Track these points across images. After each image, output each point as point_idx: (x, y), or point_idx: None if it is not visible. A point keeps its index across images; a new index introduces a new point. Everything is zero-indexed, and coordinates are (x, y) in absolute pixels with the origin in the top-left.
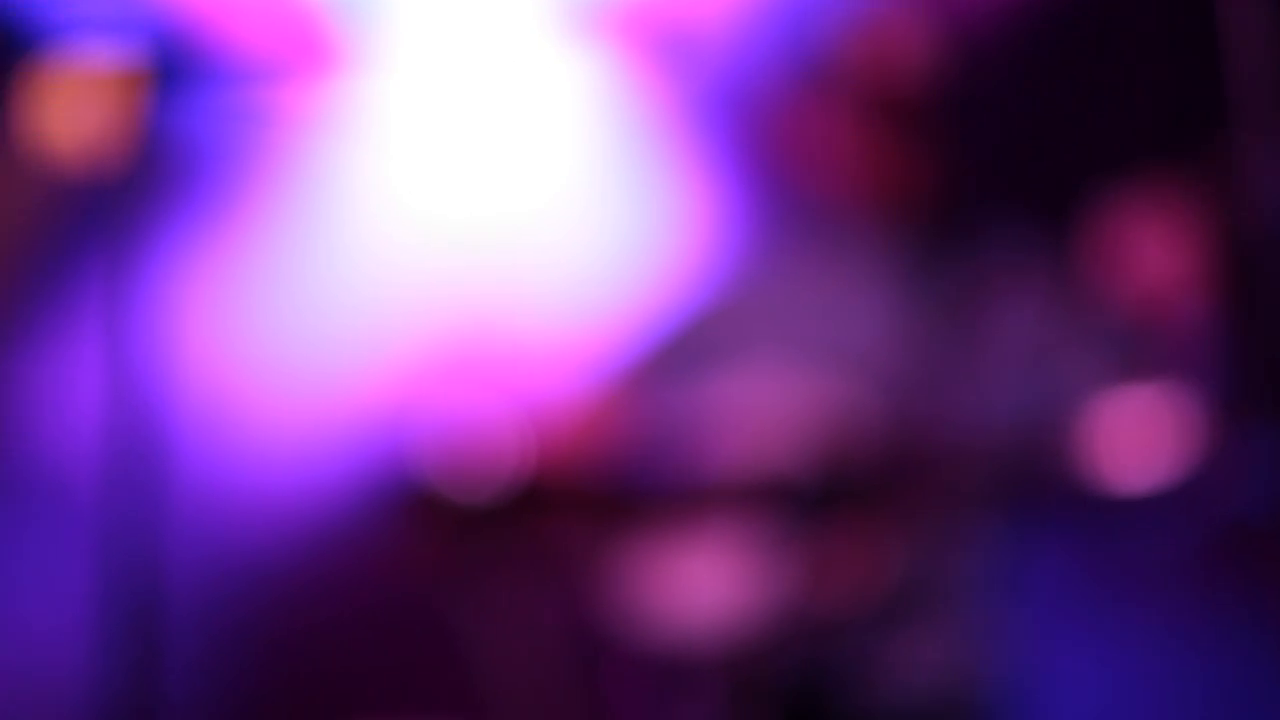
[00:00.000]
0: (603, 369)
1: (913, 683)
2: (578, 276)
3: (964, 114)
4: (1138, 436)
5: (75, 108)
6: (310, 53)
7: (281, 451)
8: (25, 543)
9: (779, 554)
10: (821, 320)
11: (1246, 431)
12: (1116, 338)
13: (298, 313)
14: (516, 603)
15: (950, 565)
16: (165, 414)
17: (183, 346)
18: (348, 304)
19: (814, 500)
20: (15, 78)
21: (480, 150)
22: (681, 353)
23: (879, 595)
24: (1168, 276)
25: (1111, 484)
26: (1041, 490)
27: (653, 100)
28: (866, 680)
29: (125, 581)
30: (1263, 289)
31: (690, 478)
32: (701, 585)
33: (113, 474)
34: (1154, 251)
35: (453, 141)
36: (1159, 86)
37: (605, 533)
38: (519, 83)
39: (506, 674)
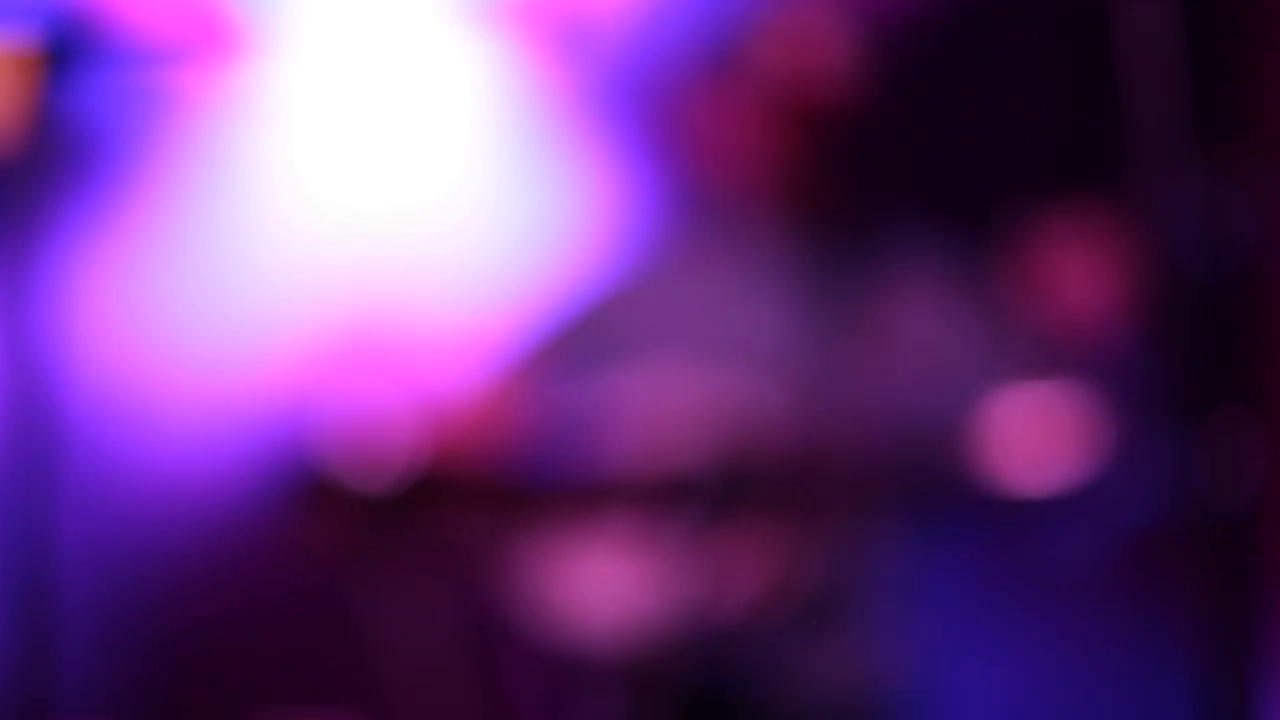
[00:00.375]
0: (499, 359)
1: (814, 686)
2: (475, 265)
3: (874, 116)
4: (1040, 438)
5: None
6: (210, 35)
7: (179, 436)
8: None
9: (680, 553)
10: (723, 314)
11: (1149, 434)
12: (1021, 339)
13: (196, 295)
14: (413, 594)
15: (853, 567)
16: (64, 396)
17: (82, 328)
18: (246, 287)
19: (716, 499)
20: None
21: (380, 136)
22: (581, 343)
23: (781, 597)
24: (1086, 294)
25: (1013, 486)
26: (943, 492)
27: (552, 88)
28: (768, 683)
29: (19, 565)
30: (1175, 302)
31: (590, 473)
32: (601, 582)
33: (9, 457)
34: (1073, 270)
35: (352, 127)
36: (1075, 102)
37: (503, 526)
38: (419, 69)
39: (403, 664)
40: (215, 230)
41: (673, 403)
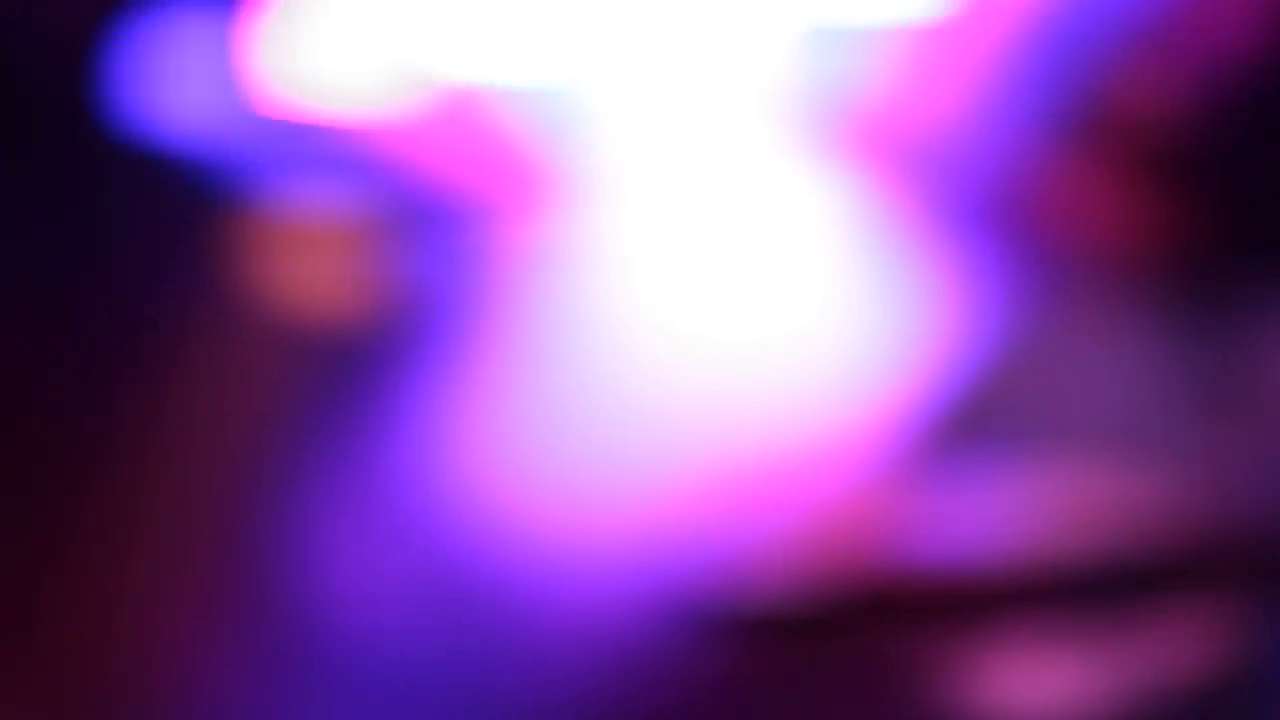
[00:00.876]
0: (876, 465)
1: None
2: (834, 384)
3: (1227, 165)
4: None
5: (304, 260)
6: (534, 188)
7: (577, 580)
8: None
9: (1101, 648)
10: (1094, 395)
11: None
12: None
13: (562, 441)
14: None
15: (1258, 651)
16: (458, 548)
17: (441, 486)
18: (606, 431)
19: (1125, 589)
20: (239, 231)
21: (721, 268)
22: (959, 434)
23: (1200, 683)
24: None
25: None
26: None
27: (895, 204)
28: None
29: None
30: None
31: (998, 571)
32: (1029, 686)
33: (417, 610)
34: None
35: (691, 261)
36: None
37: (921, 635)
38: (751, 199)
39: None
40: (569, 377)
41: (1065, 493)
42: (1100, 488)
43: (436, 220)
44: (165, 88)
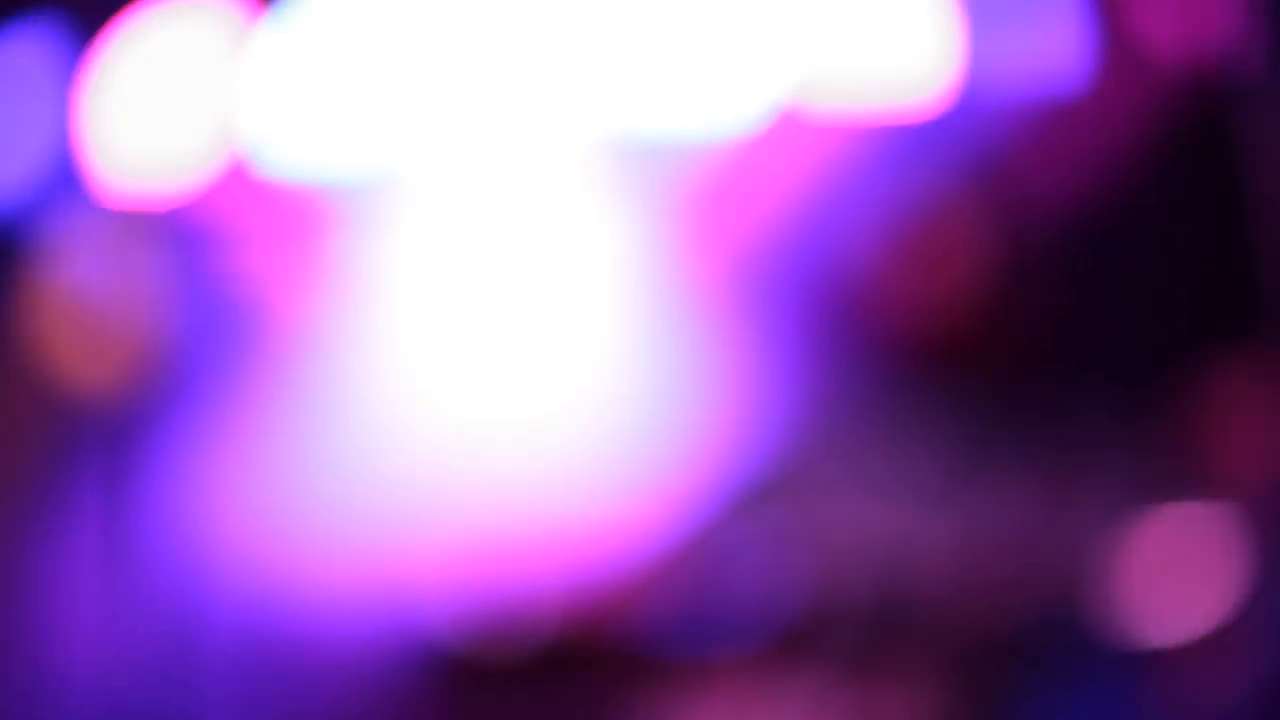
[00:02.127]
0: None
1: None
2: (613, 457)
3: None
4: (1179, 574)
5: (80, 327)
6: (320, 268)
7: (314, 623)
8: None
9: (826, 702)
10: (884, 460)
11: None
12: (1175, 483)
13: (312, 490)
14: None
15: (992, 712)
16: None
17: (190, 538)
18: (361, 481)
19: (863, 637)
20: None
21: (506, 318)
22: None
23: None
24: (1249, 441)
25: (1151, 629)
26: (1075, 636)
27: (697, 269)
28: None
29: None
30: None
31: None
32: None
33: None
34: (1237, 418)
35: (475, 306)
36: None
37: (641, 694)
38: (548, 244)
39: None
40: (324, 423)
41: (827, 537)
42: (863, 535)
43: (211, 286)
44: None
